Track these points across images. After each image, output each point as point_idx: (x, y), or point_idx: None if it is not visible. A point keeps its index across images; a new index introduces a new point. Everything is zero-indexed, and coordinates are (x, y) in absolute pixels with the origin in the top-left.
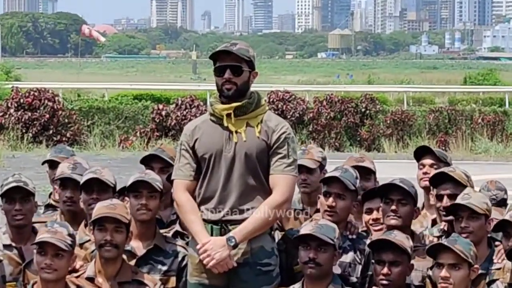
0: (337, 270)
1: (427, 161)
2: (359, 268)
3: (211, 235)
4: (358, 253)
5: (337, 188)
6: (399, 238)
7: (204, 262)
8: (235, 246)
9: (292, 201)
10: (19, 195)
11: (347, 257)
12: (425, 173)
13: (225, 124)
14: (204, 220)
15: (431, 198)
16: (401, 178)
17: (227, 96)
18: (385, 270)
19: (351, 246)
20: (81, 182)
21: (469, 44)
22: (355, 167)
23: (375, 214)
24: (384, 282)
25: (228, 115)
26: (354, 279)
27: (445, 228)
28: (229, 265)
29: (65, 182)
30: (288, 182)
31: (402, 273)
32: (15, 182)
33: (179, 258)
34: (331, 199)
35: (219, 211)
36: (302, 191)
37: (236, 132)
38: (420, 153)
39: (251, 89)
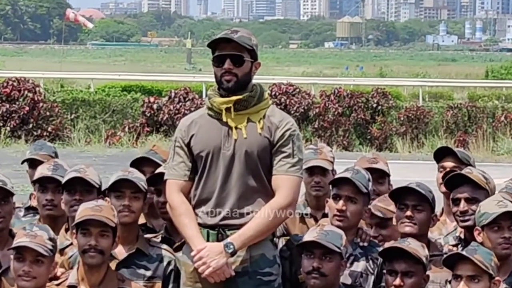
0: (347, 280)
1: (448, 163)
2: (371, 278)
3: (207, 240)
4: (370, 262)
5: (348, 191)
6: (413, 246)
7: (199, 270)
8: (233, 253)
9: (297, 204)
10: None
11: (359, 266)
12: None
13: (224, 119)
14: (199, 224)
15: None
16: (417, 182)
17: (227, 89)
18: (397, 281)
19: (362, 254)
20: (63, 181)
21: (492, 34)
22: (367, 169)
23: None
24: None
25: (228, 109)
26: None
27: (462, 236)
28: (226, 274)
29: (45, 184)
30: (293, 184)
31: (416, 284)
32: None
33: (164, 263)
34: (341, 202)
35: (216, 215)
36: (314, 195)
37: (236, 128)
38: (441, 155)
39: (253, 81)
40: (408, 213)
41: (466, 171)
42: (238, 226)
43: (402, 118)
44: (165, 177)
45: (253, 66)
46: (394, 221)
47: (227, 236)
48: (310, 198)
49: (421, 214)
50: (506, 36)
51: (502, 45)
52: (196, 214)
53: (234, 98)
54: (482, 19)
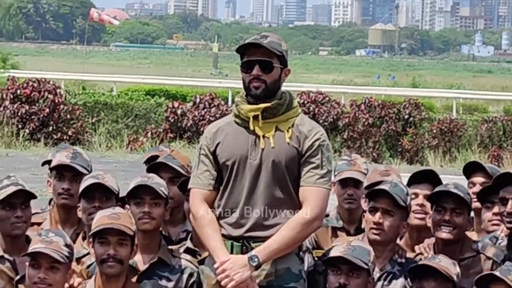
0: None
1: (478, 179)
2: None
3: (231, 253)
4: (409, 280)
5: (385, 204)
6: (444, 264)
7: (222, 283)
8: (258, 267)
9: (330, 217)
10: (20, 200)
11: (397, 284)
12: (475, 193)
13: (251, 128)
14: (223, 235)
15: (484, 217)
16: (455, 183)
17: (255, 96)
18: None
19: (401, 271)
20: (81, 188)
21: None
22: (378, 182)
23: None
24: None
25: (255, 117)
26: None
27: (503, 236)
28: None
29: (62, 172)
30: (321, 196)
31: None
32: (14, 186)
33: (186, 275)
34: (378, 214)
35: (241, 226)
36: (347, 208)
37: (264, 136)
38: (470, 170)
39: (282, 88)
40: (447, 217)
41: None
42: (264, 239)
43: (434, 131)
44: (189, 186)
45: (283, 72)
46: (429, 224)
47: (252, 249)
48: (342, 211)
49: (460, 218)
50: None
51: None
52: (220, 225)
53: (262, 105)
54: None
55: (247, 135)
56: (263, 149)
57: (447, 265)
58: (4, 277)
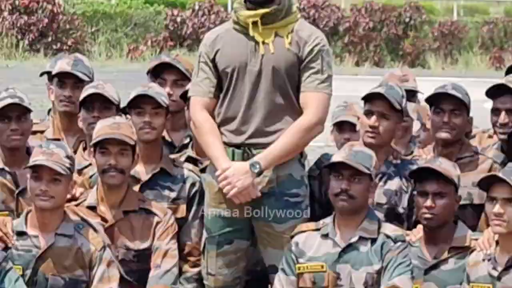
0: (381, 198)
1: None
2: (405, 197)
3: (232, 160)
4: (404, 180)
5: (381, 106)
6: (445, 166)
7: (224, 190)
8: (259, 173)
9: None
10: (16, 113)
11: (393, 185)
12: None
13: (251, 34)
14: (224, 143)
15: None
16: (453, 84)
17: (254, 1)
18: (429, 202)
19: (396, 172)
20: (81, 97)
21: None
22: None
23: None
24: (427, 215)
25: (255, 23)
26: (400, 209)
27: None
28: (252, 195)
29: (64, 79)
30: (322, 101)
31: (448, 205)
32: (10, 98)
33: (188, 184)
34: (373, 118)
35: (242, 133)
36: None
37: (263, 43)
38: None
39: None
40: (445, 118)
41: (508, 80)
42: (265, 145)
43: (435, 34)
44: (189, 94)
45: None
46: (428, 126)
47: (253, 155)
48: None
49: (458, 119)
50: None
51: None
52: (221, 133)
53: (262, 11)
54: None
55: (246, 41)
56: (263, 56)
57: (448, 167)
58: (5, 189)
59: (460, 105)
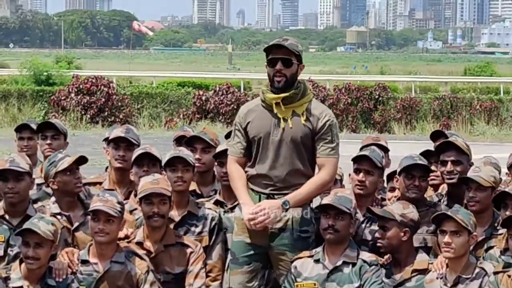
0: (368, 236)
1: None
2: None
3: (259, 201)
4: None
5: (367, 165)
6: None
7: (259, 219)
8: (287, 209)
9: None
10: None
11: (376, 226)
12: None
13: (274, 111)
14: (254, 191)
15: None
16: (419, 156)
17: (277, 88)
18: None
19: None
20: (133, 157)
21: (469, 40)
22: (371, 144)
23: (396, 192)
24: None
25: (277, 104)
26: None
27: (445, 193)
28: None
29: (119, 143)
30: (333, 164)
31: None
32: (68, 156)
33: (209, 220)
34: (361, 174)
35: (268, 187)
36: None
37: (284, 119)
38: (435, 137)
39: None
40: (416, 182)
41: (452, 139)
42: (283, 195)
43: (398, 107)
44: (228, 153)
45: (299, 68)
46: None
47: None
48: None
49: (424, 183)
50: (480, 41)
51: (477, 48)
52: (252, 183)
53: (283, 95)
54: (461, 28)
55: (271, 117)
56: (283, 129)
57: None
58: (64, 228)
59: (426, 172)
